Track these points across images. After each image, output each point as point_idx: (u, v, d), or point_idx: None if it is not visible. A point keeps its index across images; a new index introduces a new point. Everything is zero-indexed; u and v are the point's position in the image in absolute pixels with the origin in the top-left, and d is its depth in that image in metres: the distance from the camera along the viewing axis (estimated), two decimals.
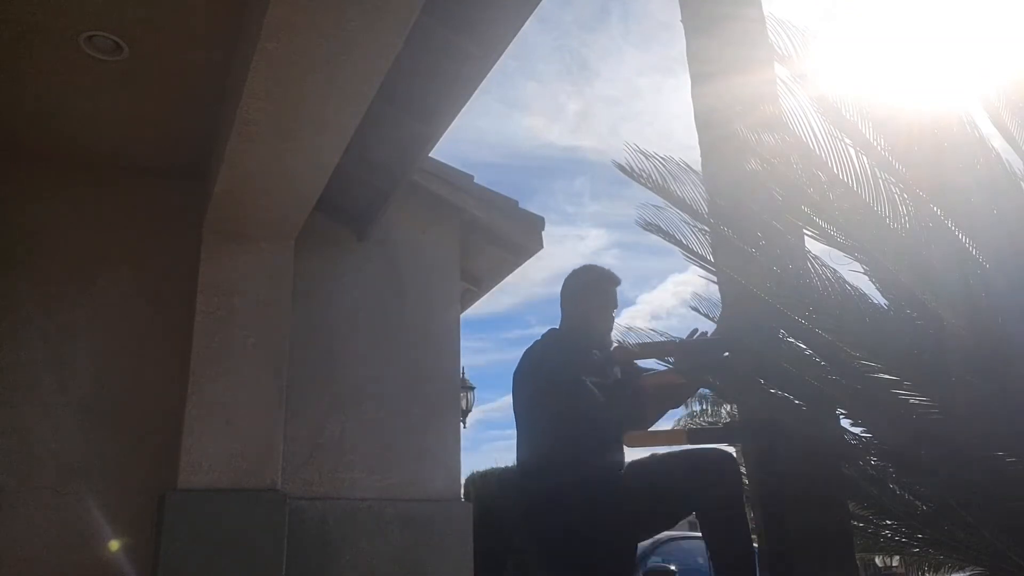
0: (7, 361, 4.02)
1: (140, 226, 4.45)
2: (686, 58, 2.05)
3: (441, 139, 4.24)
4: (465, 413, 10.35)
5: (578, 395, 2.23)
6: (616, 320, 2.52)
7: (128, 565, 3.89)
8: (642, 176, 1.71)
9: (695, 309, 2.06)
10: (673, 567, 6.03)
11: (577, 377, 2.26)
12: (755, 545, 1.95)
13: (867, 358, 1.46)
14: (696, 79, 2.01)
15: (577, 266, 2.62)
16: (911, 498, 1.74)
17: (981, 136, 1.36)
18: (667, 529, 2.31)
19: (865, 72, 1.42)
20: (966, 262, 1.36)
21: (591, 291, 2.51)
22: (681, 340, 2.20)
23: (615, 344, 2.44)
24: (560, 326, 2.55)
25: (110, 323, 4.23)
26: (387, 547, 4.48)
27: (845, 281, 1.46)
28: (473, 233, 5.46)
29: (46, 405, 4.02)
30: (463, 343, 5.24)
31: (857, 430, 1.71)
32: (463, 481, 6.24)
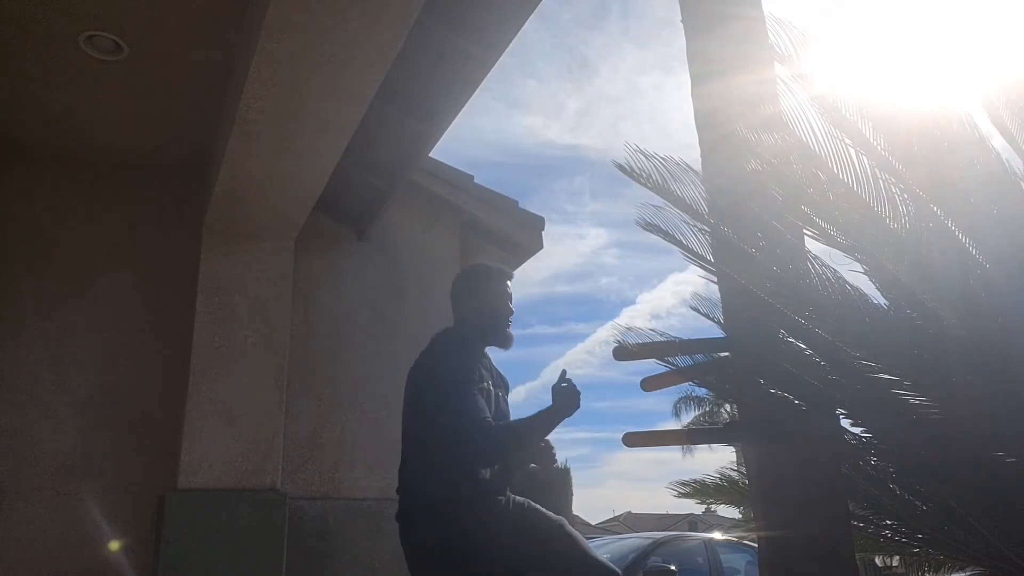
0: (7, 361, 4.02)
1: (140, 226, 4.44)
2: (686, 57, 2.05)
3: (441, 139, 4.25)
4: None
5: (461, 411, 2.13)
6: (619, 322, 2.50)
7: (128, 565, 3.89)
8: (642, 176, 1.71)
9: (695, 309, 2.06)
10: (673, 567, 6.04)
11: (467, 391, 2.16)
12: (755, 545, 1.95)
13: (867, 358, 1.46)
14: (696, 79, 2.01)
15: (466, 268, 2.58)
16: (911, 498, 1.74)
17: (981, 136, 1.36)
18: None
19: (865, 72, 1.42)
20: (966, 262, 1.36)
21: (483, 285, 2.44)
22: (682, 340, 2.19)
23: (617, 344, 2.43)
24: (454, 327, 2.46)
25: (110, 323, 4.23)
26: (387, 547, 4.47)
27: (845, 281, 1.46)
28: (473, 233, 5.46)
29: (46, 405, 4.02)
30: None
31: (857, 430, 1.71)
32: None
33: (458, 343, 2.35)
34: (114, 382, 4.15)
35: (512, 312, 2.44)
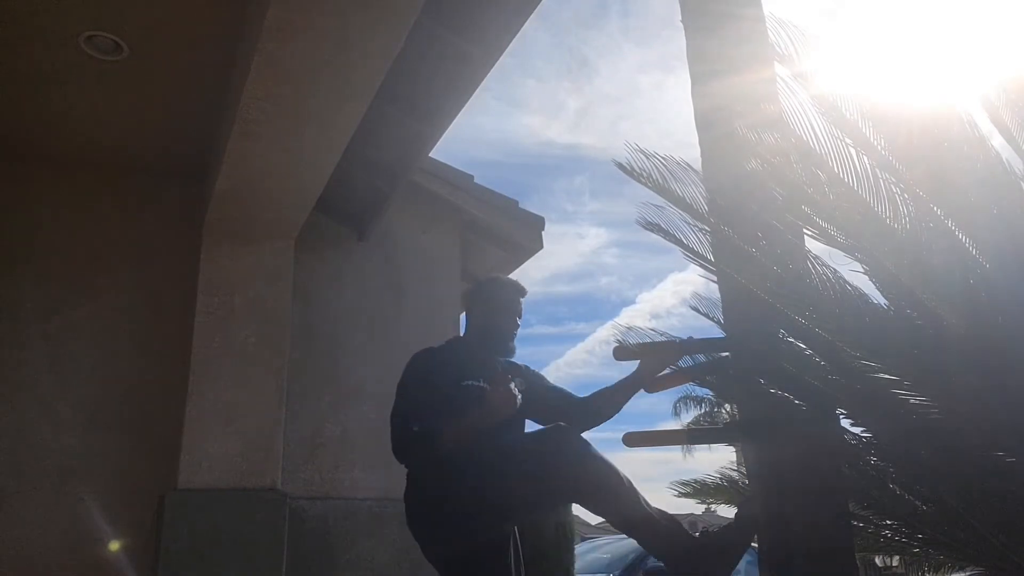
0: (8, 361, 4.02)
1: (140, 226, 4.44)
2: (686, 57, 2.05)
3: (441, 139, 4.25)
4: None
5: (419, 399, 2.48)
6: (619, 322, 2.55)
7: (128, 565, 3.89)
8: (642, 175, 1.71)
9: (695, 309, 2.06)
10: None
11: (428, 382, 2.47)
12: (754, 545, 1.95)
13: (867, 358, 1.46)
14: (696, 78, 2.01)
15: (483, 279, 2.74)
16: (911, 498, 1.74)
17: (981, 135, 1.36)
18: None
19: (865, 71, 1.42)
20: (966, 262, 1.36)
21: (492, 294, 2.58)
22: (682, 340, 2.20)
23: (617, 344, 2.43)
24: (465, 334, 2.67)
25: (110, 323, 4.23)
26: (387, 547, 4.47)
27: (845, 281, 1.46)
28: (473, 233, 5.46)
29: (46, 405, 4.02)
30: None
31: (857, 430, 1.71)
32: None
33: (426, 355, 2.60)
34: (114, 382, 4.15)
35: (516, 326, 2.55)
